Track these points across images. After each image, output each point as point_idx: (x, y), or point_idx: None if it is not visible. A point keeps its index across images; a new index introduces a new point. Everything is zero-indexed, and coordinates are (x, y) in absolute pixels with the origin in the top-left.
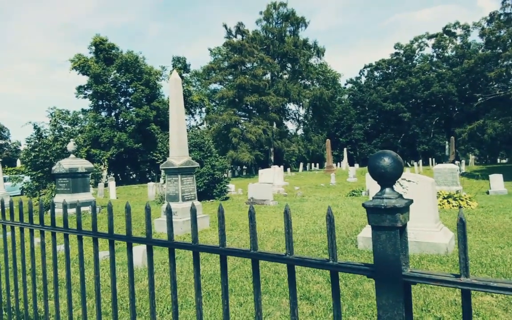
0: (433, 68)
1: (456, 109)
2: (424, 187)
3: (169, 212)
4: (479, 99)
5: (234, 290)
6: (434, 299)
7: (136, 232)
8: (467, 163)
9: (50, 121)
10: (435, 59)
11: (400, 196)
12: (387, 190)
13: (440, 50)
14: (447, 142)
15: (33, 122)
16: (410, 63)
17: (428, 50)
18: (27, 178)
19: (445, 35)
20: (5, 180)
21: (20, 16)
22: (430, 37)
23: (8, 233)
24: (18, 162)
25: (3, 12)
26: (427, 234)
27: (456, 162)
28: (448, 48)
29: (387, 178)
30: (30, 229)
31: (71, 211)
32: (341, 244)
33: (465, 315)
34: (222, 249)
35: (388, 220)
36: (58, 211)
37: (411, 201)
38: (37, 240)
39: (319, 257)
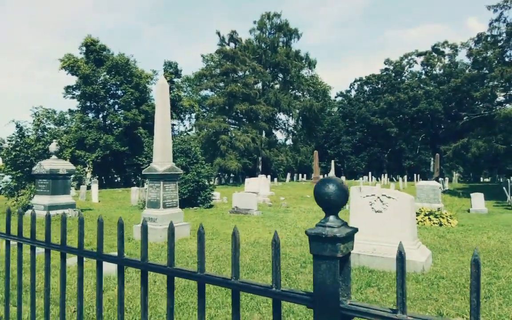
0: (421, 85)
1: (442, 126)
2: (403, 204)
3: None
4: (464, 118)
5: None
6: None
7: (114, 237)
8: (451, 180)
9: (34, 120)
10: (423, 76)
11: (345, 224)
12: (331, 218)
13: (428, 67)
14: (432, 159)
15: (16, 120)
16: (399, 79)
17: (417, 67)
18: (6, 177)
19: (433, 54)
20: None
21: (11, 10)
22: (419, 55)
23: None
24: (0, 160)
25: None
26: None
27: (440, 179)
28: (436, 66)
29: (331, 206)
30: None
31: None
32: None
33: None
34: (169, 269)
35: (329, 250)
36: (39, 213)
37: (355, 230)
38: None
39: (263, 283)
